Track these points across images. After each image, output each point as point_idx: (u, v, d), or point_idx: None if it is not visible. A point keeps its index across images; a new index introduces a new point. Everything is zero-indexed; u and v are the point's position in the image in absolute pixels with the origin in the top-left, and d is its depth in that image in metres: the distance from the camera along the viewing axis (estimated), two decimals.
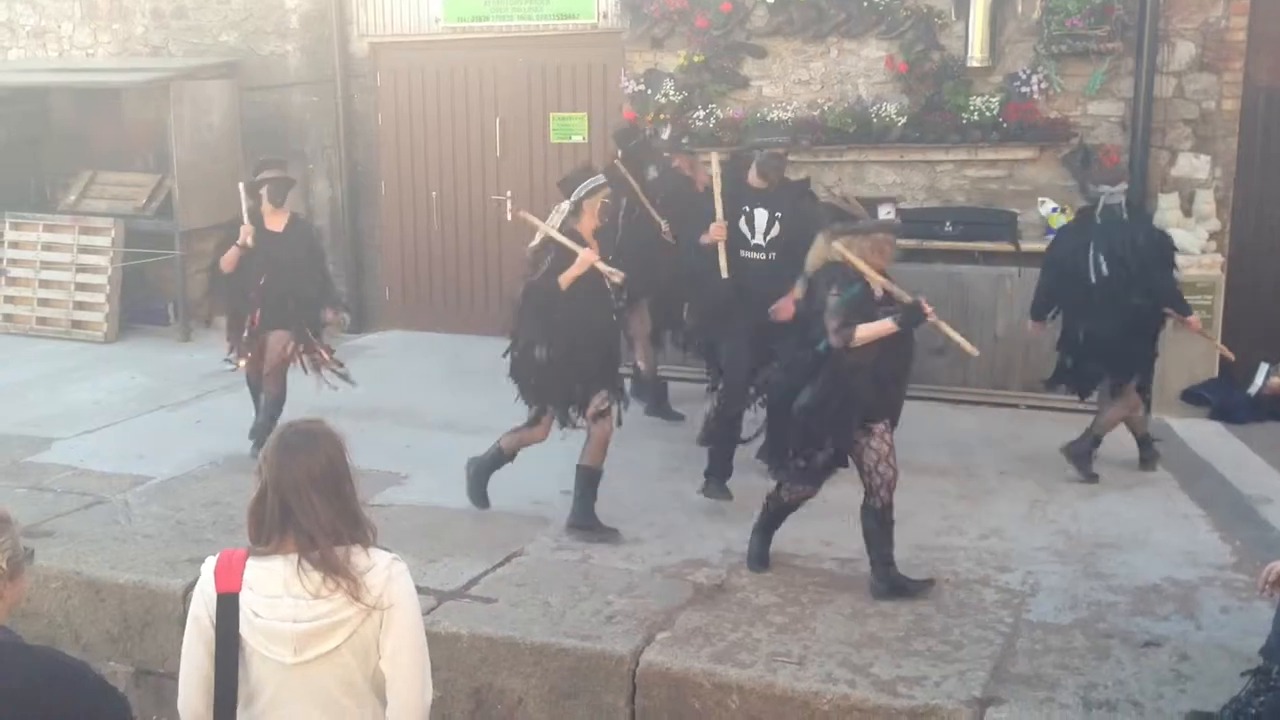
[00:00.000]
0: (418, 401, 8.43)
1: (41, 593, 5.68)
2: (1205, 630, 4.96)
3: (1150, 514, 6.32)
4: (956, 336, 5.28)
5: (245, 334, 7.25)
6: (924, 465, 7.13)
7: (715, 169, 6.45)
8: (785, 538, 6.00)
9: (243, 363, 7.34)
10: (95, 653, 5.44)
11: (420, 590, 5.09)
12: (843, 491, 6.49)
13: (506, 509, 6.46)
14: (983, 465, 7.09)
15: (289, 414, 6.84)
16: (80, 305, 10.96)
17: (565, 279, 5.81)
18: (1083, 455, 6.78)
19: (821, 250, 5.31)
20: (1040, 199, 8.59)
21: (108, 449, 7.59)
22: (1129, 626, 4.98)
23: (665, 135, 8.65)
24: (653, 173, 8.01)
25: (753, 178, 6.53)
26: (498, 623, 5.05)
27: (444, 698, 4.88)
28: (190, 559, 5.47)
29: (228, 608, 2.84)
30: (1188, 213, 8.27)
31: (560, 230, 5.91)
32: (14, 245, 11.20)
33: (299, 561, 2.83)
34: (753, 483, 6.79)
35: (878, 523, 5.29)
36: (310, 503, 2.83)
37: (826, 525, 6.18)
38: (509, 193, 10.35)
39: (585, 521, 6.07)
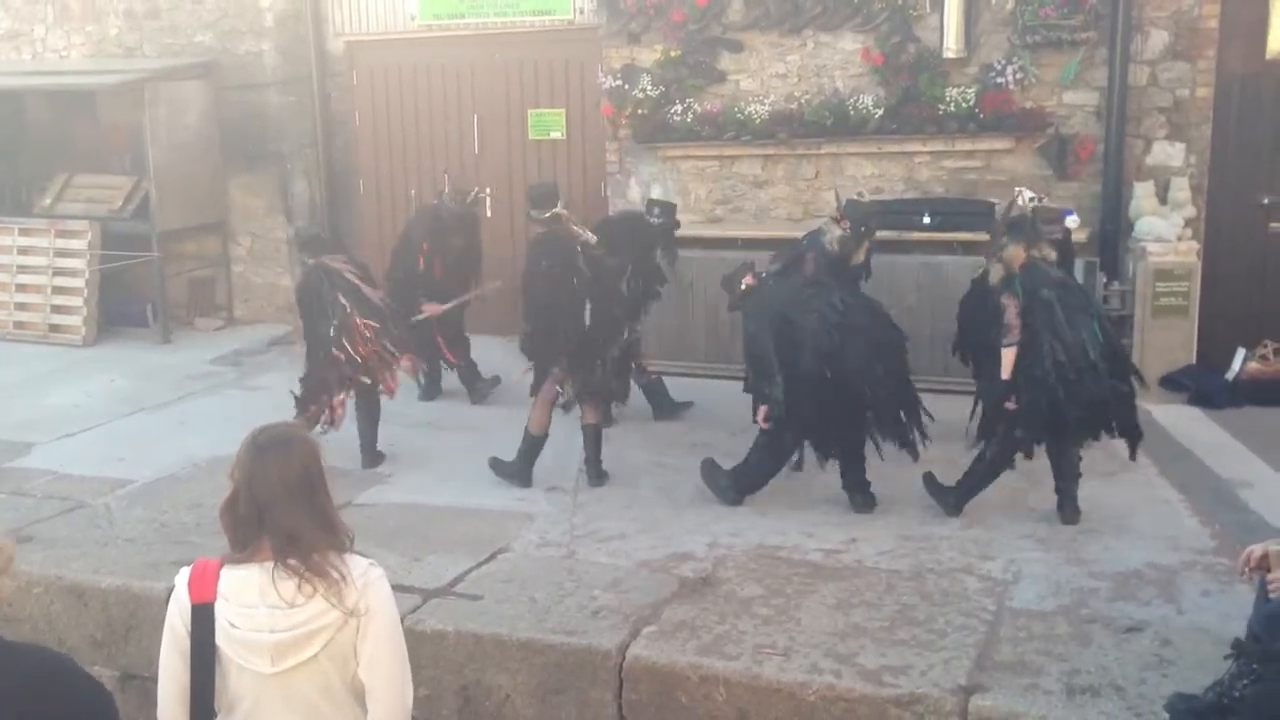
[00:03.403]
0: (399, 400, 8.40)
1: (24, 598, 5.65)
2: (1187, 614, 4.99)
3: (1131, 500, 6.36)
4: None
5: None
6: (907, 455, 7.16)
7: None
8: (769, 530, 6.04)
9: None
10: (79, 658, 5.30)
11: (406, 588, 5.17)
12: (823, 481, 6.56)
13: (491, 506, 6.47)
14: (964, 455, 7.10)
15: (276, 416, 6.82)
16: (58, 309, 10.89)
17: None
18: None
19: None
20: (1017, 189, 8.60)
21: (88, 453, 7.55)
22: (1111, 612, 5.00)
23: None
24: None
25: None
26: (484, 619, 5.04)
27: (431, 695, 4.89)
28: (174, 562, 5.43)
29: (203, 618, 2.82)
30: (1163, 200, 8.32)
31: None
32: None
33: (274, 569, 2.81)
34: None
35: None
36: (284, 509, 2.81)
37: (810, 516, 6.22)
38: (489, 189, 10.32)
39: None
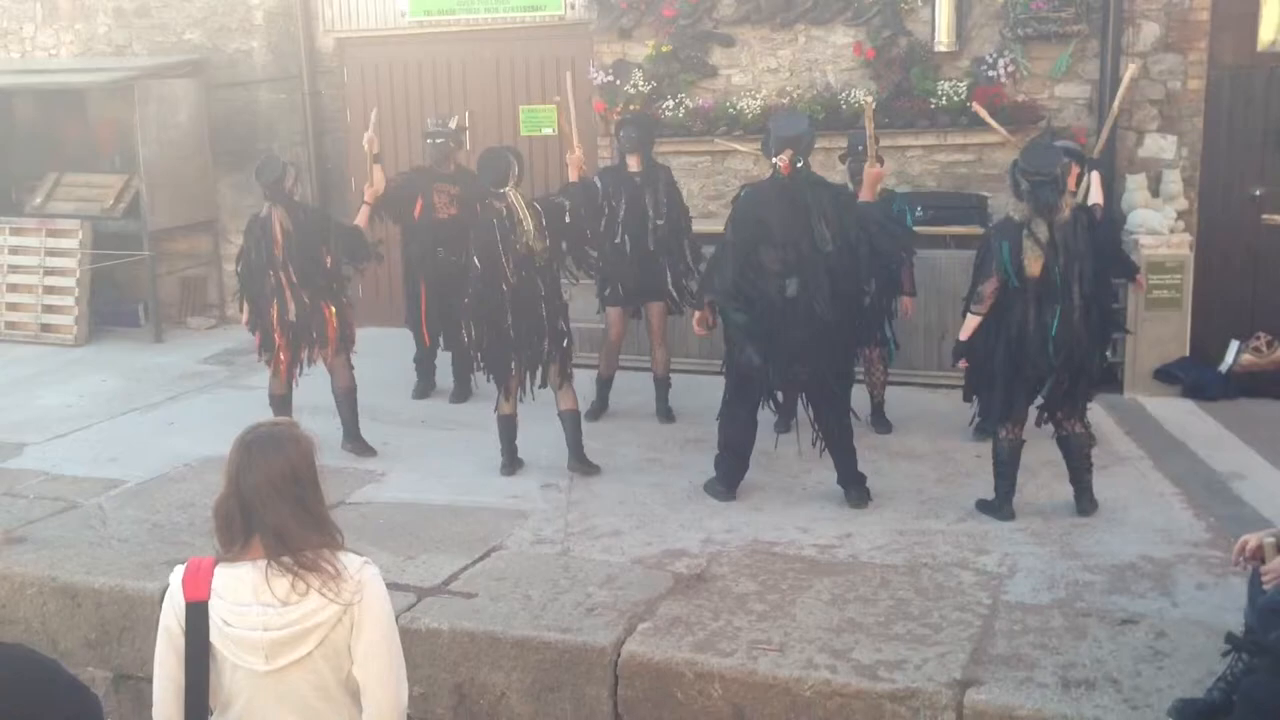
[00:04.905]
0: (393, 398, 8.40)
1: (17, 600, 5.64)
2: (1181, 607, 4.99)
3: (1125, 493, 6.37)
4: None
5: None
6: (901, 449, 7.17)
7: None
8: (764, 525, 6.03)
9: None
10: (73, 659, 5.40)
11: (400, 587, 5.16)
12: (817, 477, 6.56)
13: (485, 504, 6.46)
14: (959, 449, 7.12)
15: (268, 415, 6.82)
16: (49, 308, 10.86)
17: None
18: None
19: None
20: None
21: (80, 453, 7.53)
22: (1106, 605, 5.01)
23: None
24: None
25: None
26: (478, 617, 5.04)
27: (426, 694, 4.89)
28: (167, 562, 5.40)
29: (197, 617, 2.82)
30: (1155, 193, 8.33)
31: None
32: None
33: (267, 567, 2.81)
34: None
35: None
36: (275, 507, 2.80)
37: (804, 512, 6.21)
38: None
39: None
